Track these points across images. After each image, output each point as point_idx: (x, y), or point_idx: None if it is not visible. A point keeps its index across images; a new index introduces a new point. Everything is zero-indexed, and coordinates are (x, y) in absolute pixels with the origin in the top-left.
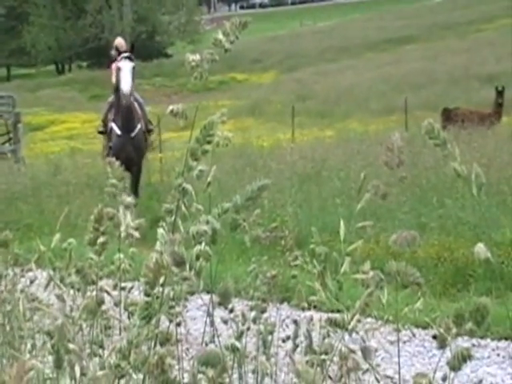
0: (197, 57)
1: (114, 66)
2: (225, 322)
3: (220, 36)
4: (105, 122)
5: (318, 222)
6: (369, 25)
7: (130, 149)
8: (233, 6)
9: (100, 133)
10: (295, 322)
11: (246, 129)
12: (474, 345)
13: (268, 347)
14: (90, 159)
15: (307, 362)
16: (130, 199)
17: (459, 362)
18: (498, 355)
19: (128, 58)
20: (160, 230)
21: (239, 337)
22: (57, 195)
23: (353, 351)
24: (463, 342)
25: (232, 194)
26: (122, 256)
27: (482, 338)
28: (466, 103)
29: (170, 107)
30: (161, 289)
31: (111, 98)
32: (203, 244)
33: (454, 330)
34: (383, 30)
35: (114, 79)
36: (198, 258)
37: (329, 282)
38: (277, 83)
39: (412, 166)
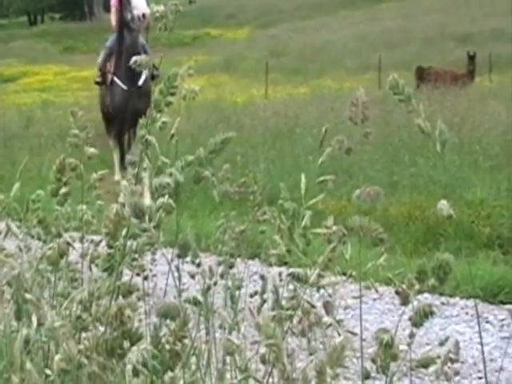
0: (161, 8)
1: (113, 0)
2: (192, 276)
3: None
4: (103, 71)
5: (291, 179)
6: None
7: (136, 101)
8: None
9: (97, 83)
10: (262, 277)
11: (219, 85)
12: (443, 303)
13: (235, 302)
14: (62, 111)
15: (274, 316)
16: (92, 150)
17: (421, 318)
18: (467, 313)
19: None
20: (123, 182)
21: (206, 291)
22: (29, 147)
23: (314, 306)
24: (433, 300)
25: None
26: (84, 207)
27: (451, 296)
28: (440, 63)
29: (134, 58)
30: (123, 240)
31: (109, 42)
32: (166, 196)
33: (417, 287)
34: None
35: (112, 17)
36: (158, 210)
37: (296, 237)
38: (251, 39)
39: (384, 124)
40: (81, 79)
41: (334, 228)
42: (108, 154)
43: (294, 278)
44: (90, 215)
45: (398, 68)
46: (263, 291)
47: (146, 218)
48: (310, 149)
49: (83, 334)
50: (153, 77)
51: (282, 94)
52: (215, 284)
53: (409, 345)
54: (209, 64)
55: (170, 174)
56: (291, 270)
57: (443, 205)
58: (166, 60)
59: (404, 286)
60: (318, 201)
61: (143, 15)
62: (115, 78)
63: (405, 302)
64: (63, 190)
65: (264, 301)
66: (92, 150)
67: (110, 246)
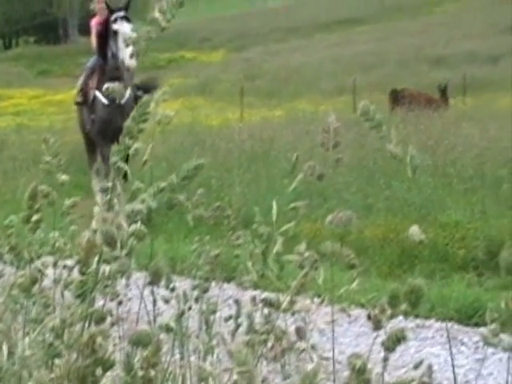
0: (133, 34)
1: (93, 22)
2: (166, 301)
3: (156, 14)
4: (84, 91)
5: (266, 202)
6: (319, 6)
7: (119, 118)
8: None
9: (78, 104)
10: (236, 301)
11: (195, 108)
12: (418, 325)
13: (210, 327)
14: (37, 135)
15: (248, 341)
16: (64, 177)
17: (393, 343)
18: (442, 336)
19: (125, 18)
20: (95, 208)
21: (180, 316)
22: (3, 171)
23: (285, 332)
24: (408, 323)
25: None
26: (56, 234)
27: (426, 318)
28: (415, 85)
29: (105, 85)
30: (95, 267)
31: (90, 63)
32: (138, 223)
33: (389, 312)
34: (333, 11)
35: (93, 40)
36: (130, 236)
37: (270, 262)
38: (226, 62)
39: (359, 147)
40: (56, 103)
41: (307, 254)
42: (83, 178)
43: (267, 303)
44: (63, 242)
45: (372, 90)
46: (237, 316)
47: (118, 245)
48: (285, 172)
49: (56, 361)
50: (136, 97)
51: (257, 117)
52: (189, 309)
53: (383, 368)
54: (184, 87)
55: (143, 201)
56: (265, 294)
57: (414, 230)
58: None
59: (376, 311)
60: (292, 226)
61: (127, 68)
62: (97, 93)
63: (377, 326)
64: (35, 217)
65: (238, 325)
66: (64, 176)
67: (82, 273)
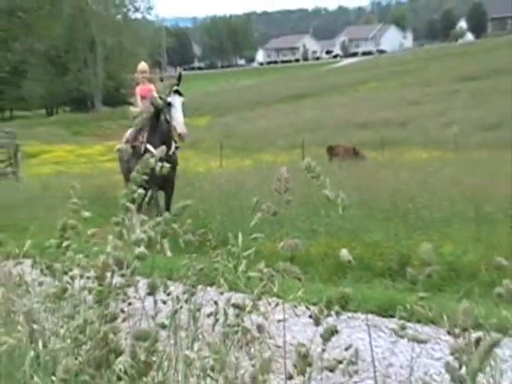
0: (137, 109)
1: (137, 90)
2: (164, 302)
3: (155, 94)
4: (131, 143)
5: (239, 228)
6: (277, 84)
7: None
8: (178, 68)
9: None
10: (215, 302)
11: (187, 158)
12: (349, 317)
13: (196, 320)
14: (71, 179)
15: (224, 333)
16: (87, 213)
17: (329, 335)
18: (366, 325)
19: (177, 91)
20: (109, 237)
21: (174, 313)
22: (46, 205)
23: (248, 330)
24: (341, 316)
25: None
26: (81, 256)
27: (355, 312)
28: (347, 142)
29: (117, 146)
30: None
31: (137, 120)
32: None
33: (325, 312)
34: (287, 88)
35: (139, 102)
36: (136, 258)
37: (240, 274)
38: (210, 125)
39: (307, 186)
40: (85, 155)
41: (265, 270)
42: (105, 210)
43: (235, 306)
44: (85, 261)
45: (316, 146)
46: (216, 312)
47: (125, 266)
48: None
49: (80, 351)
50: (176, 148)
51: (233, 165)
52: (181, 308)
53: (322, 351)
54: (179, 144)
55: (144, 231)
56: (236, 297)
57: (344, 252)
58: None
59: (316, 312)
60: (252, 251)
61: (179, 135)
62: (148, 146)
63: (317, 323)
64: (65, 244)
65: (217, 320)
66: (87, 213)
67: (99, 285)
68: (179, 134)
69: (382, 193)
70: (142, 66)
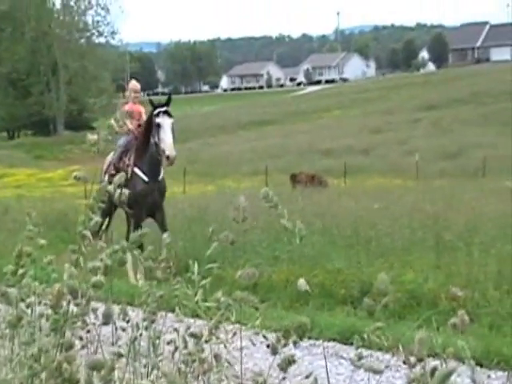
0: (94, 137)
1: (126, 107)
2: (123, 329)
3: (112, 122)
4: (117, 167)
5: (201, 255)
6: (241, 110)
7: (156, 194)
8: (141, 93)
9: (111, 176)
10: (175, 329)
11: None
12: (311, 344)
13: (156, 348)
14: (32, 203)
15: (183, 360)
16: (42, 241)
17: (286, 364)
18: (328, 352)
19: (166, 112)
20: (66, 265)
21: (133, 341)
22: (7, 229)
23: (204, 360)
24: (303, 343)
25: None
26: (36, 283)
27: (316, 339)
28: (309, 169)
29: (74, 173)
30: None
31: (122, 141)
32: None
33: (283, 341)
34: (251, 114)
35: (128, 123)
36: (93, 286)
37: (199, 302)
38: None
39: (268, 214)
40: (46, 179)
41: (222, 299)
42: (66, 234)
43: (193, 336)
44: (42, 288)
45: (279, 173)
46: (175, 340)
47: (79, 294)
48: (216, 232)
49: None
50: None
51: (196, 190)
52: (141, 335)
53: (283, 379)
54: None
55: (101, 260)
56: (195, 324)
57: (302, 282)
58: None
59: (274, 341)
60: (220, 268)
61: (167, 157)
62: (136, 170)
63: (275, 352)
64: (20, 271)
65: (176, 347)
66: (42, 241)
67: (55, 313)
68: (167, 157)
69: (343, 220)
70: (134, 84)
